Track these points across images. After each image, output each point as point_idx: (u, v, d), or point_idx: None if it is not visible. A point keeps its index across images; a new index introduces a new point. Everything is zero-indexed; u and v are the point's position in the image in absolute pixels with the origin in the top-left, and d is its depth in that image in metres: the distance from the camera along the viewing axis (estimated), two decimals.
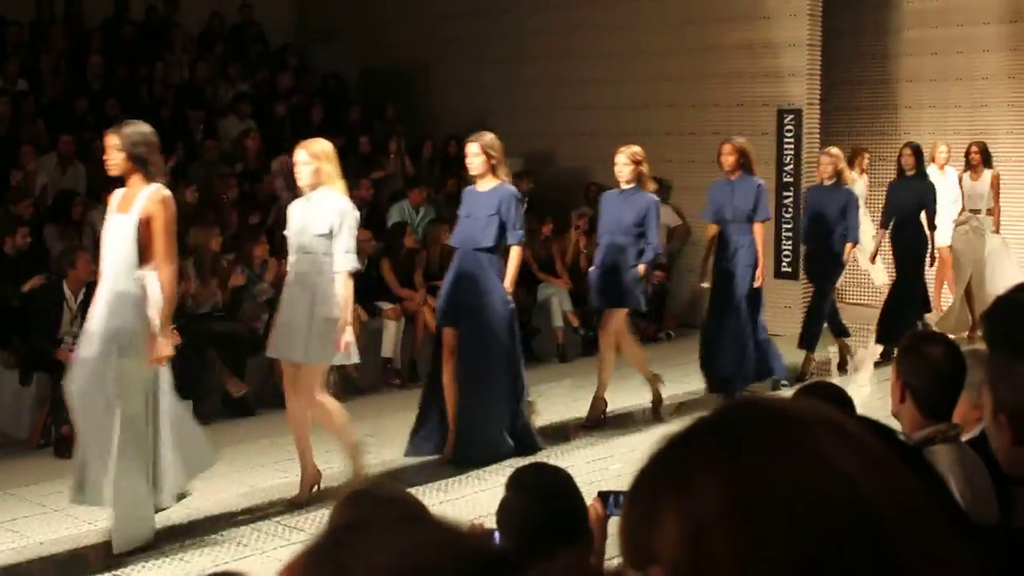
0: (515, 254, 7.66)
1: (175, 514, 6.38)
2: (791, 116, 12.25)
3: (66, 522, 6.32)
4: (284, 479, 7.17)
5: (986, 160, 11.94)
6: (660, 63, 13.21)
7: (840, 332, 10.74)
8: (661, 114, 13.16)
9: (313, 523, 6.25)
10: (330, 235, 6.62)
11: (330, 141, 7.05)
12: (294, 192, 11.19)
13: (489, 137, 7.63)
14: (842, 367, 10.84)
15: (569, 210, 12.48)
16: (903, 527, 0.97)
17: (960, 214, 12.03)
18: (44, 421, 7.98)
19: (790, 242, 12.27)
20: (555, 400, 9.32)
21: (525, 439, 7.75)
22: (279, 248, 9.66)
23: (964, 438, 3.23)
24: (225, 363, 8.84)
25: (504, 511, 2.87)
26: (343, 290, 6.62)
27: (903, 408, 3.18)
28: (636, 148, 8.74)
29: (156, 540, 5.90)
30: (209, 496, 6.60)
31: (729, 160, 9.36)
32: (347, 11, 15.70)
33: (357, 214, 6.82)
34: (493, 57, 14.34)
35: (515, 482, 2.95)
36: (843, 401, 3.56)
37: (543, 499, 2.85)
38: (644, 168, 8.64)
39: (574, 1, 13.78)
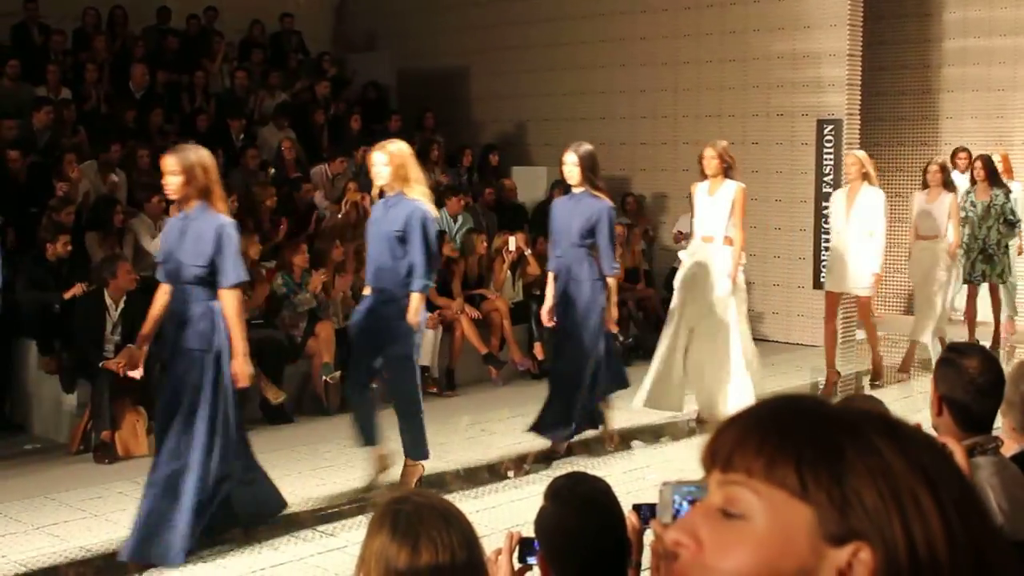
0: None
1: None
2: (831, 126, 12.17)
3: (105, 527, 6.37)
4: (321, 485, 7.21)
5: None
6: (699, 73, 13.18)
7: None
8: (700, 124, 13.13)
9: (350, 530, 6.25)
10: None
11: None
12: (333, 201, 11.30)
13: None
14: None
15: None
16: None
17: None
18: (84, 427, 8.04)
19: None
20: None
21: None
22: (319, 258, 9.71)
23: (1007, 453, 3.20)
24: (264, 370, 8.88)
25: (542, 521, 2.86)
26: None
27: (941, 421, 3.19)
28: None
29: (193, 544, 5.93)
30: None
31: (173, 182, 5.74)
32: (386, 21, 15.79)
33: None
34: (531, 67, 14.36)
35: (552, 492, 2.93)
36: None
37: (580, 509, 2.83)
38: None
39: (612, 11, 13.77)
